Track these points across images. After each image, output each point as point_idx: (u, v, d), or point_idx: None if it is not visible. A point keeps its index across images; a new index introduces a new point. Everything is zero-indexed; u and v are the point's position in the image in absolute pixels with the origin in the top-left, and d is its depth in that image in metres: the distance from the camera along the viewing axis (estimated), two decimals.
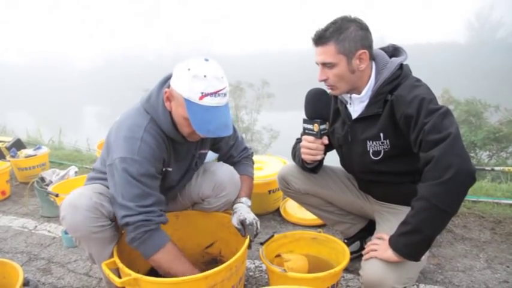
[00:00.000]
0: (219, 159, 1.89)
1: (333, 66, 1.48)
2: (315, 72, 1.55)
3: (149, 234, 1.40)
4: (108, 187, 1.48)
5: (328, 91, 1.59)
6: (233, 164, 1.83)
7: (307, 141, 1.60)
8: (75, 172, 3.03)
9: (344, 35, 1.43)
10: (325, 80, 1.52)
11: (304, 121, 1.58)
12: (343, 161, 1.76)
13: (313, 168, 1.76)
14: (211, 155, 1.96)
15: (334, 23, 1.46)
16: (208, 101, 1.34)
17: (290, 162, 1.92)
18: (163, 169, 1.56)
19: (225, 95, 1.38)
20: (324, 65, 1.49)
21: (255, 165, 2.61)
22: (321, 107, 1.56)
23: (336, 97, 1.70)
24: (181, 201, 1.82)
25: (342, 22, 1.45)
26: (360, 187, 1.80)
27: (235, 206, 1.69)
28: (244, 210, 1.64)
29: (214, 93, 1.35)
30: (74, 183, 2.63)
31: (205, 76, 1.34)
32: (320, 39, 1.47)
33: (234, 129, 1.78)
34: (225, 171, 1.73)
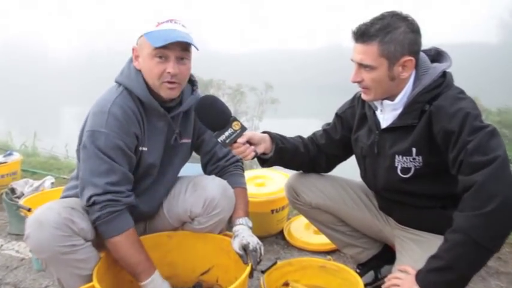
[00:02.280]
0: (202, 161, 1.90)
1: (372, 69, 1.47)
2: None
3: (115, 216, 1.50)
4: None
5: (360, 93, 1.59)
6: (220, 170, 1.85)
7: (237, 148, 1.58)
8: (52, 183, 3.01)
9: (391, 35, 1.41)
10: (358, 82, 1.52)
11: (217, 135, 1.54)
12: (364, 175, 1.75)
13: (263, 161, 1.75)
14: (200, 170, 1.96)
15: (381, 18, 1.44)
16: (164, 26, 1.54)
17: (300, 172, 1.94)
18: (139, 148, 1.61)
19: (184, 26, 1.57)
20: (361, 65, 1.49)
21: (256, 181, 2.65)
22: (218, 110, 1.54)
23: (363, 100, 1.70)
24: (168, 220, 1.80)
25: (392, 20, 1.43)
26: (381, 207, 1.78)
27: (236, 228, 1.68)
28: (246, 234, 1.62)
29: (170, 21, 1.55)
30: (50, 196, 2.59)
31: (163, 18, 1.56)
32: (362, 35, 1.45)
33: None
34: (217, 186, 1.73)
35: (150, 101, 1.59)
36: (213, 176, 1.79)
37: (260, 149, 1.65)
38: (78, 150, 1.62)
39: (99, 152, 1.50)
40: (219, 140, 1.54)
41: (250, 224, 1.70)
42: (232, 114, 1.56)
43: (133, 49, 1.61)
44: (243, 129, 1.55)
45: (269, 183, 2.65)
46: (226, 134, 1.53)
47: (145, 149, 1.63)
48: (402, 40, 1.42)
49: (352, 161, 1.86)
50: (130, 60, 1.64)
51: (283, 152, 1.73)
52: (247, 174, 2.58)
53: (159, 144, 1.68)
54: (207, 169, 1.88)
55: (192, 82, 1.76)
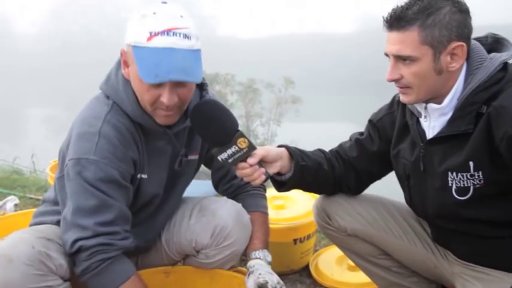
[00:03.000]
0: (214, 179, 1.91)
1: (413, 61, 1.47)
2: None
3: (108, 264, 1.47)
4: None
5: (399, 95, 1.59)
6: (236, 190, 1.86)
7: (242, 170, 1.58)
8: (15, 205, 3.03)
9: (434, 17, 1.41)
10: (396, 80, 1.52)
11: (218, 152, 1.54)
12: (410, 199, 1.75)
13: (280, 184, 1.76)
14: (209, 188, 1.98)
15: None
16: (158, 41, 1.43)
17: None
18: (137, 176, 1.61)
19: (185, 36, 1.46)
20: (398, 58, 1.49)
21: (274, 203, 2.63)
22: (225, 119, 1.54)
23: (403, 107, 1.70)
24: (167, 252, 1.82)
25: None
26: (435, 238, 1.78)
27: (251, 263, 1.68)
28: (263, 270, 1.63)
29: (167, 31, 1.43)
30: (13, 223, 2.61)
31: (154, 13, 1.45)
32: (398, 20, 1.45)
33: None
34: (230, 210, 1.74)
35: (143, 120, 1.59)
36: (224, 198, 1.81)
37: (274, 169, 1.65)
38: (59, 179, 1.63)
39: (88, 186, 1.48)
40: (219, 158, 1.54)
41: (270, 258, 1.71)
42: (239, 129, 1.55)
43: (121, 53, 1.58)
44: (251, 148, 1.55)
45: (291, 205, 2.66)
46: (229, 152, 1.53)
47: (144, 176, 1.64)
48: (448, 22, 1.42)
49: (391, 179, 1.86)
50: (118, 65, 1.62)
51: (305, 172, 1.73)
52: None
53: (162, 168, 1.69)
54: (219, 188, 1.91)
55: (200, 85, 1.74)
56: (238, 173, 1.57)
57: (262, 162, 1.60)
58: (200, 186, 2.10)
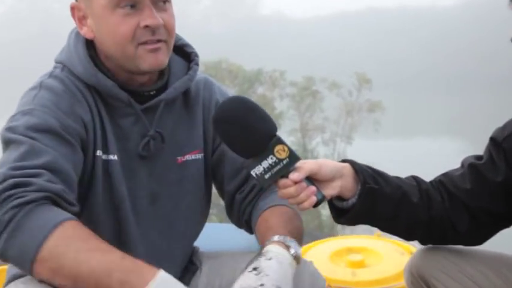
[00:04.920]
0: (227, 191, 1.91)
1: None
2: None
3: (28, 211, 1.39)
4: None
5: None
6: (257, 195, 1.86)
7: (284, 189, 1.61)
8: None
9: None
10: None
11: (250, 165, 1.58)
12: None
13: (340, 212, 1.77)
14: (246, 241, 1.96)
15: None
16: None
17: (429, 246, 1.93)
18: (96, 152, 1.69)
19: None
20: None
21: (349, 258, 2.66)
22: (257, 122, 1.57)
23: None
24: None
25: None
26: None
27: (266, 249, 1.62)
28: (273, 276, 1.50)
29: None
30: None
31: None
32: None
33: None
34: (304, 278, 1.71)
35: (97, 81, 1.69)
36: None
37: (332, 190, 1.68)
38: None
39: (16, 136, 1.56)
40: (252, 173, 1.58)
41: (296, 250, 1.63)
42: (277, 134, 1.58)
43: (72, 8, 1.73)
44: (294, 159, 1.58)
45: (374, 261, 2.67)
46: (265, 164, 1.57)
47: (113, 157, 1.73)
48: None
49: None
50: (75, 35, 1.78)
51: (378, 200, 1.73)
52: (331, 244, 2.70)
53: (129, 155, 1.78)
54: (236, 200, 1.90)
55: (186, 54, 1.90)
56: (280, 193, 1.60)
57: (314, 180, 1.63)
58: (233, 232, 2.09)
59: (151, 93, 1.78)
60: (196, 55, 1.90)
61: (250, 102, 1.62)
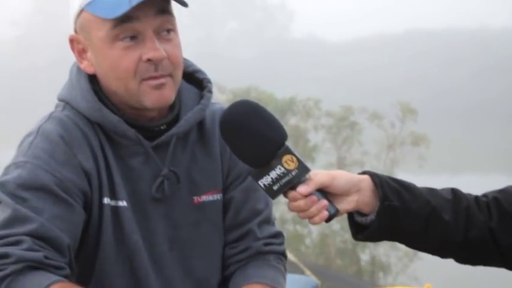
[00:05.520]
0: (225, 243, 1.94)
1: None
2: None
3: (8, 285, 1.47)
4: None
5: None
6: (249, 256, 1.90)
7: (293, 202, 1.62)
8: None
9: None
10: None
11: (257, 175, 1.60)
12: None
13: (358, 227, 1.76)
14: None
15: None
16: None
17: None
18: (103, 200, 1.71)
19: None
20: None
21: None
22: (264, 129, 1.58)
23: None
24: None
25: None
26: None
27: None
28: None
29: None
30: None
31: None
32: None
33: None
34: None
35: (102, 117, 1.72)
36: None
37: (347, 205, 1.67)
38: None
39: (3, 196, 1.57)
40: (259, 183, 1.60)
41: None
42: (286, 143, 1.60)
43: (71, 40, 1.77)
44: (303, 170, 1.59)
45: None
46: (273, 175, 1.58)
47: (123, 204, 1.75)
48: None
49: None
50: (77, 68, 1.81)
51: (401, 217, 1.71)
52: None
53: (141, 199, 1.79)
54: (225, 252, 1.94)
55: (198, 81, 1.91)
56: (290, 205, 1.61)
57: (327, 193, 1.63)
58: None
59: (162, 127, 1.79)
60: (208, 81, 1.90)
61: (258, 106, 1.63)
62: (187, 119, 1.80)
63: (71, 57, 1.79)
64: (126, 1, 1.58)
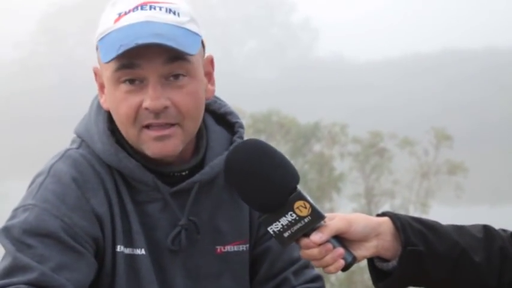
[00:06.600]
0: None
1: None
2: None
3: None
4: None
5: None
6: None
7: (306, 250, 1.61)
8: None
9: None
10: None
11: (267, 221, 1.59)
12: None
13: (380, 274, 1.74)
14: None
15: None
16: (128, 18, 1.65)
17: None
18: (116, 247, 1.71)
19: (169, 10, 1.68)
20: None
21: None
22: (275, 172, 1.57)
23: None
24: None
25: None
26: None
27: None
28: None
29: (141, 5, 1.66)
30: None
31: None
32: None
33: None
34: None
35: (117, 161, 1.73)
36: None
37: (366, 251, 1.67)
38: None
39: (7, 243, 1.60)
40: (269, 230, 1.60)
41: None
42: (298, 188, 1.58)
43: (94, 73, 1.81)
44: (317, 217, 1.58)
45: None
46: (284, 221, 1.57)
47: (140, 252, 1.75)
48: None
49: None
50: (98, 103, 1.84)
51: (426, 261, 1.69)
52: None
53: (158, 247, 1.79)
54: None
55: (229, 124, 1.92)
56: (302, 253, 1.61)
57: (344, 239, 1.63)
58: None
59: (183, 173, 1.79)
60: (240, 126, 1.90)
61: (267, 147, 1.61)
62: (213, 166, 1.80)
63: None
64: (117, 46, 1.61)
